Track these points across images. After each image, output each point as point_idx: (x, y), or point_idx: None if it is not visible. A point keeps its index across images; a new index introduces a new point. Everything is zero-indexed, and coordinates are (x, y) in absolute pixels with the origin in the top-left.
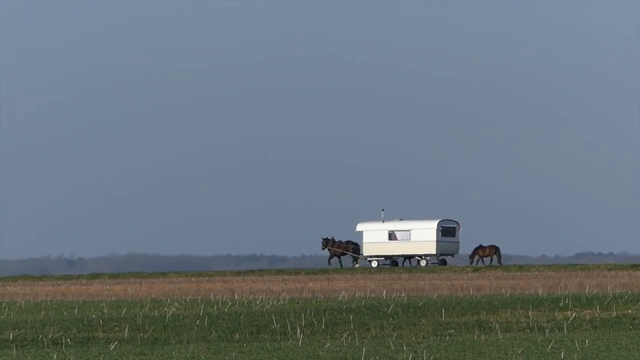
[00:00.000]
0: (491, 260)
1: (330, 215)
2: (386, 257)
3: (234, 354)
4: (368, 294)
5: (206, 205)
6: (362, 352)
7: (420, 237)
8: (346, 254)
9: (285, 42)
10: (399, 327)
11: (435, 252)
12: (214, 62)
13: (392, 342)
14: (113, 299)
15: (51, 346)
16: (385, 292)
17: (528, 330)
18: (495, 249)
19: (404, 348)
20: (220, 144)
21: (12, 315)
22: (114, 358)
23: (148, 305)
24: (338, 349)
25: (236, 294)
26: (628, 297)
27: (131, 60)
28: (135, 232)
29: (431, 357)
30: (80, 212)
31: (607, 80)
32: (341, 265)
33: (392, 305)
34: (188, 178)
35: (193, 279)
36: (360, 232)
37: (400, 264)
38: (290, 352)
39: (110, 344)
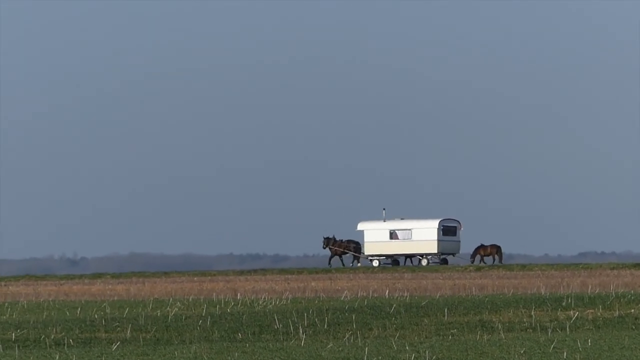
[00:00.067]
0: (493, 259)
1: (331, 214)
2: (387, 256)
3: (236, 354)
4: (370, 293)
5: (209, 205)
6: (365, 352)
7: (422, 236)
8: (347, 253)
9: (285, 42)
10: (402, 327)
11: (436, 252)
12: (214, 62)
13: (395, 341)
14: (115, 298)
15: (53, 346)
16: (387, 291)
17: (530, 330)
18: (496, 249)
19: (407, 348)
20: (223, 144)
21: (14, 315)
22: (117, 358)
23: (150, 305)
24: (340, 348)
25: (239, 294)
26: (631, 297)
27: (131, 60)
28: (137, 232)
29: (434, 357)
30: (82, 212)
31: (607, 80)
32: (343, 265)
33: (394, 305)
34: (190, 178)
35: (195, 278)
36: (362, 231)
37: (402, 263)
38: (293, 352)
39: (112, 344)
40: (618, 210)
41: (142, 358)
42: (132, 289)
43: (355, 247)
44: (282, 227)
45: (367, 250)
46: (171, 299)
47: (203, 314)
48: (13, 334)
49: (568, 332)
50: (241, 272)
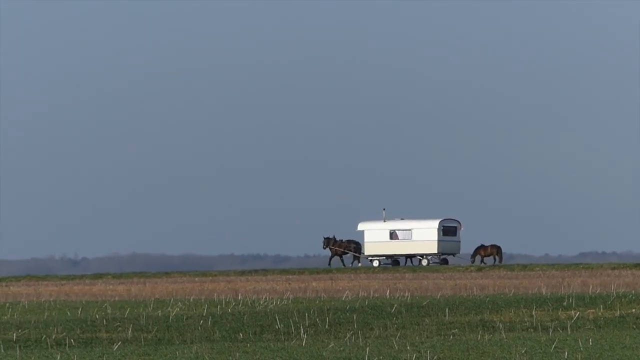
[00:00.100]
0: (494, 260)
1: (332, 214)
2: (387, 256)
3: (237, 354)
4: (372, 293)
5: (210, 205)
6: (366, 351)
7: (422, 236)
8: (347, 253)
9: (285, 42)
10: (403, 327)
11: (436, 252)
12: (214, 62)
13: (396, 341)
14: (116, 299)
15: (54, 346)
16: (388, 291)
17: (532, 330)
18: (496, 249)
19: (408, 348)
20: (223, 144)
21: (15, 316)
22: (118, 358)
23: (151, 306)
24: (342, 348)
25: (240, 294)
26: (632, 297)
27: (131, 60)
28: (138, 232)
29: (435, 357)
30: (83, 212)
31: (607, 80)
32: (343, 265)
33: (395, 305)
34: (191, 178)
35: (197, 278)
36: (362, 232)
37: (402, 264)
38: (294, 352)
39: (113, 344)
40: (619, 210)
41: (144, 358)
42: (133, 289)
43: (356, 247)
44: (283, 228)
45: (367, 250)
46: (172, 299)
47: (204, 314)
48: (14, 334)
49: (569, 332)
50: (242, 273)
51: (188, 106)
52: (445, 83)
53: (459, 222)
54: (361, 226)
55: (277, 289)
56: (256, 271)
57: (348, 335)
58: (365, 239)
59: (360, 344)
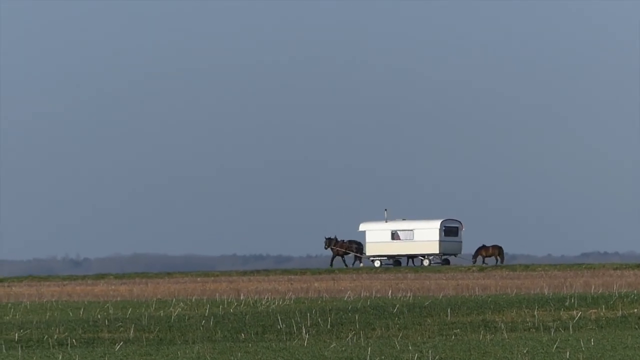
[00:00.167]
0: (496, 260)
1: (333, 215)
2: (389, 256)
3: (239, 354)
4: (374, 293)
5: (212, 206)
6: (368, 352)
7: (423, 236)
8: (349, 253)
9: (285, 42)
10: (405, 327)
11: (438, 252)
12: (214, 62)
13: (398, 341)
14: (118, 299)
15: (56, 347)
16: (390, 291)
17: (534, 330)
18: (498, 249)
19: (410, 348)
20: (225, 145)
21: (17, 316)
22: (120, 358)
23: (153, 306)
24: (344, 348)
25: (242, 294)
26: (634, 297)
27: (131, 60)
28: (140, 233)
29: (437, 357)
30: (85, 213)
31: (607, 80)
32: (345, 265)
33: (397, 305)
34: (193, 178)
35: (199, 279)
36: (364, 232)
37: (404, 264)
38: (296, 352)
39: (115, 344)
40: (621, 210)
41: (145, 358)
42: (135, 289)
43: (357, 247)
44: (285, 228)
45: (369, 250)
46: (174, 300)
47: (206, 314)
48: (16, 335)
49: (571, 332)
50: (244, 273)
51: (188, 106)
52: (445, 83)
53: (460, 222)
54: (363, 226)
55: (279, 289)
56: (258, 271)
57: (350, 336)
58: (367, 240)
59: (362, 344)
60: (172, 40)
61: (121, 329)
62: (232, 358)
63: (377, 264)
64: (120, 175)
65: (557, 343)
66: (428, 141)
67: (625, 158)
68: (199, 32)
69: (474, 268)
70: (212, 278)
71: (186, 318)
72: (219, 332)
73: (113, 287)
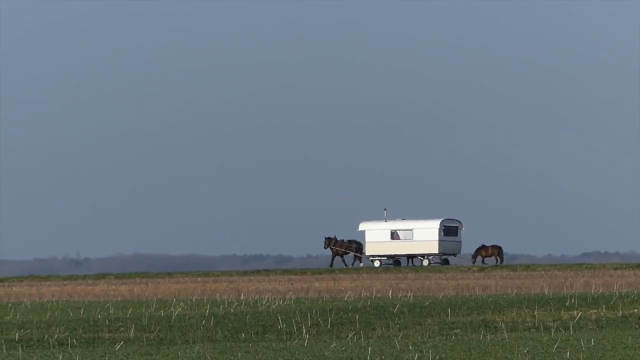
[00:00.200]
0: (496, 260)
1: (333, 215)
2: (389, 256)
3: (239, 354)
4: (374, 293)
5: (212, 206)
6: (368, 351)
7: (423, 236)
8: (349, 253)
9: (285, 42)
10: (405, 327)
11: (437, 252)
12: (214, 62)
13: (398, 341)
14: (119, 299)
15: (57, 346)
16: (391, 291)
17: (534, 330)
18: (498, 249)
19: (410, 348)
20: (225, 145)
21: (18, 316)
22: (120, 358)
23: (154, 306)
24: (344, 348)
25: (242, 294)
26: (634, 297)
27: (131, 60)
28: (141, 232)
29: (437, 357)
30: (86, 213)
31: (607, 80)
32: (345, 265)
33: (398, 305)
34: (193, 178)
35: (199, 279)
36: (363, 232)
37: (404, 264)
38: (296, 352)
39: (116, 344)
40: (621, 210)
41: (146, 358)
42: (135, 289)
43: (357, 247)
44: (285, 228)
45: (369, 250)
46: (174, 299)
47: (206, 314)
48: (16, 334)
49: (571, 332)
50: (244, 273)
51: (188, 106)
52: (445, 83)
53: (460, 222)
54: (362, 226)
55: (280, 289)
56: (258, 271)
57: (350, 335)
58: (367, 239)
59: (363, 343)
60: (172, 40)
61: (121, 328)
62: (232, 358)
63: (376, 263)
64: (120, 175)
65: (557, 343)
66: (428, 141)
67: (625, 158)
68: (199, 32)
69: (474, 268)
70: (213, 278)
71: (186, 318)
72: (220, 332)
73: (113, 287)
